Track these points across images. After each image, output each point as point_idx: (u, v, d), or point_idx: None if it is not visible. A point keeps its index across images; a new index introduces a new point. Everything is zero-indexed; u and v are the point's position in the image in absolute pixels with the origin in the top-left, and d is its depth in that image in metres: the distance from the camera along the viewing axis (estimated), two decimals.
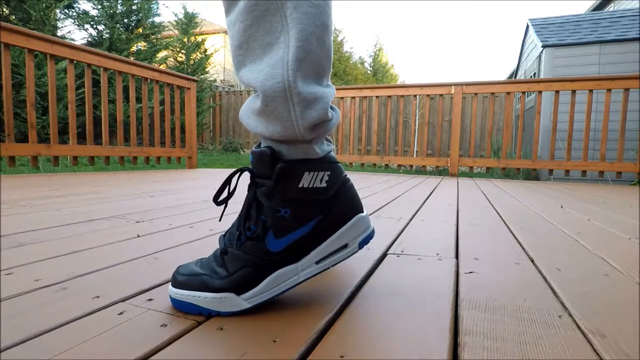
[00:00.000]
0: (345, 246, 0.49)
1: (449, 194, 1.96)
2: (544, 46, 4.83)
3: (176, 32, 8.08)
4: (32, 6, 5.43)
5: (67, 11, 6.29)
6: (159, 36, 7.30)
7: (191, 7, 21.16)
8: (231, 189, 0.50)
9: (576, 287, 0.58)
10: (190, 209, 1.23)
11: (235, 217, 1.10)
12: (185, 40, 7.93)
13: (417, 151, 7.16)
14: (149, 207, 1.25)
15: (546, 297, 0.54)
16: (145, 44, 7.02)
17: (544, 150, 4.52)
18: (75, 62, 2.74)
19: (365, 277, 0.61)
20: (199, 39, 8.14)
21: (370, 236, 0.50)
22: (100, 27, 6.50)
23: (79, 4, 6.54)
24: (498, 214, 1.33)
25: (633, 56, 4.47)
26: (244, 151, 8.12)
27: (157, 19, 7.16)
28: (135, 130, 3.27)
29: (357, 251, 0.49)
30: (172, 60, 7.95)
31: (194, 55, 8.05)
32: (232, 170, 4.01)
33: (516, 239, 0.93)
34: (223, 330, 0.41)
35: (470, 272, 0.65)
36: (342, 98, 4.87)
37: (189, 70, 7.91)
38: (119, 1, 6.55)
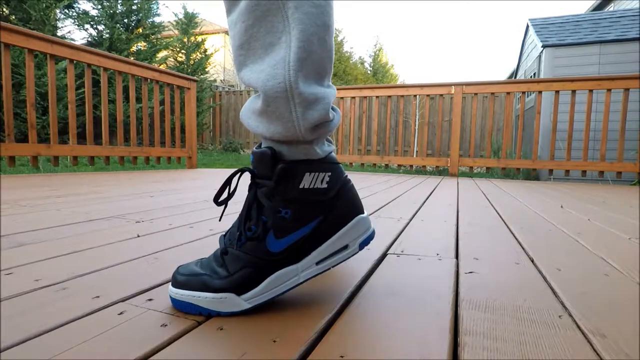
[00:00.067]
0: (345, 247, 0.49)
1: (449, 194, 1.96)
2: (544, 46, 4.83)
3: (176, 32, 8.08)
4: (32, 6, 5.43)
5: (67, 11, 6.29)
6: (159, 36, 7.29)
7: (191, 7, 21.18)
8: (231, 189, 0.50)
9: (576, 287, 0.58)
10: (190, 209, 1.23)
11: (235, 217, 1.10)
12: (185, 40, 7.93)
13: (417, 151, 7.16)
14: (149, 207, 1.25)
15: (546, 297, 0.54)
16: (145, 44, 7.02)
17: (544, 150, 4.52)
18: (75, 62, 2.74)
19: (365, 277, 0.61)
20: (199, 39, 8.14)
21: (370, 237, 0.50)
22: (100, 27, 6.50)
23: (79, 4, 6.54)
24: (498, 214, 1.33)
25: (633, 56, 4.47)
26: (244, 151, 8.12)
27: (157, 19, 7.16)
28: (135, 130, 3.27)
29: (357, 252, 0.49)
30: (172, 60, 7.95)
31: (194, 55, 8.05)
32: (232, 170, 4.01)
33: (516, 239, 0.93)
34: (223, 330, 0.41)
35: (470, 272, 0.65)
36: (342, 98, 4.87)
37: (189, 70, 7.91)
38: (119, 1, 6.55)
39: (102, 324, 0.42)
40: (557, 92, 3.46)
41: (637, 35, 4.48)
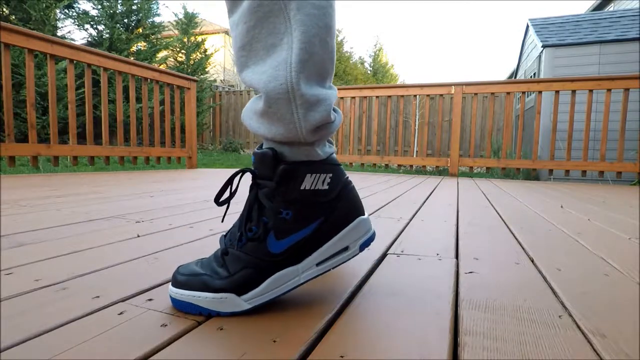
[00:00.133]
0: (346, 248, 0.49)
1: (449, 194, 1.96)
2: (544, 46, 4.83)
3: (176, 32, 8.08)
4: (32, 6, 5.43)
5: (67, 11, 6.29)
6: (159, 36, 7.30)
7: (191, 7, 21.17)
8: (232, 189, 0.50)
9: (576, 287, 0.58)
10: (190, 209, 1.23)
11: (236, 217, 1.10)
12: (185, 40, 7.93)
13: (417, 151, 7.16)
14: (149, 207, 1.25)
15: (546, 297, 0.54)
16: (145, 44, 7.02)
17: (544, 150, 4.52)
18: (75, 62, 2.74)
19: (365, 277, 0.61)
20: (199, 39, 8.14)
21: (371, 239, 0.50)
22: (100, 27, 6.50)
23: (79, 4, 6.54)
24: (498, 214, 1.33)
25: (633, 56, 4.47)
26: (244, 151, 8.12)
27: (157, 19, 7.16)
28: (135, 130, 3.27)
29: (357, 254, 0.49)
30: (172, 60, 7.95)
31: (194, 55, 8.05)
32: (232, 170, 4.01)
33: (516, 239, 0.93)
34: (223, 330, 0.41)
35: (470, 272, 0.65)
36: (342, 98, 4.87)
37: (189, 70, 7.90)
38: (119, 1, 6.55)
39: (102, 324, 0.42)
40: (557, 92, 3.46)
41: (637, 35, 4.48)
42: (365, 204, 1.48)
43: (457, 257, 0.75)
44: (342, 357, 0.36)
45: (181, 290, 0.46)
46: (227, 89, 8.87)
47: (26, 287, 0.52)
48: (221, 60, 12.15)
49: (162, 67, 7.30)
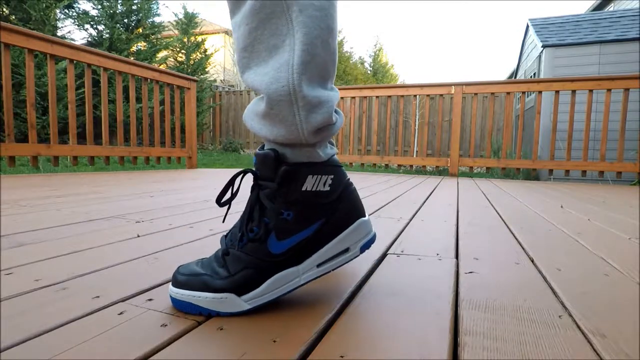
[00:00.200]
0: (346, 250, 0.49)
1: (449, 194, 1.96)
2: (544, 46, 4.83)
3: (176, 32, 8.08)
4: (32, 6, 5.43)
5: (67, 11, 6.29)
6: (159, 36, 7.29)
7: (191, 7, 21.14)
8: (234, 190, 0.50)
9: (576, 287, 0.58)
10: (190, 209, 1.23)
11: (236, 217, 1.10)
12: (185, 40, 7.93)
13: (417, 151, 7.16)
14: (149, 207, 1.25)
15: (546, 297, 0.54)
16: (145, 44, 7.02)
17: (544, 150, 4.52)
18: (75, 62, 2.74)
19: (365, 277, 0.61)
20: (199, 39, 8.14)
21: (371, 241, 0.51)
22: (100, 27, 6.50)
23: (79, 4, 6.54)
24: (498, 214, 1.33)
25: (633, 56, 4.47)
26: (244, 151, 8.12)
27: (157, 19, 7.16)
28: (135, 130, 3.27)
29: (358, 255, 0.50)
30: (172, 60, 7.95)
31: (194, 55, 8.05)
32: (232, 170, 4.01)
33: (516, 239, 0.93)
34: (223, 330, 0.41)
35: (470, 272, 0.65)
36: (342, 98, 4.87)
37: (189, 70, 7.90)
38: (119, 1, 6.56)
39: (102, 324, 0.42)
40: (557, 92, 3.46)
41: (637, 35, 4.48)
42: (365, 204, 1.48)
43: (457, 257, 0.75)
44: (342, 357, 0.36)
45: (181, 290, 0.46)
46: (227, 89, 8.87)
47: (26, 287, 0.52)
48: (221, 60, 12.15)
49: (162, 67, 7.30)
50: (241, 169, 0.49)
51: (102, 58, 2.91)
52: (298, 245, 0.46)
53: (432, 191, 2.10)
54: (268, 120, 0.46)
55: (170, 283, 0.48)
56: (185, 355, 0.36)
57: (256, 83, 0.45)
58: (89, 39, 6.54)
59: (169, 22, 7.93)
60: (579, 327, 0.44)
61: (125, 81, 5.18)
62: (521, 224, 1.12)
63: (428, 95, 4.08)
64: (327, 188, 0.47)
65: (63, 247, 0.73)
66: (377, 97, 4.24)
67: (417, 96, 4.36)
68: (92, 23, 6.43)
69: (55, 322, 0.42)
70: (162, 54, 7.52)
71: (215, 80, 8.96)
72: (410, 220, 1.15)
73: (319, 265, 0.48)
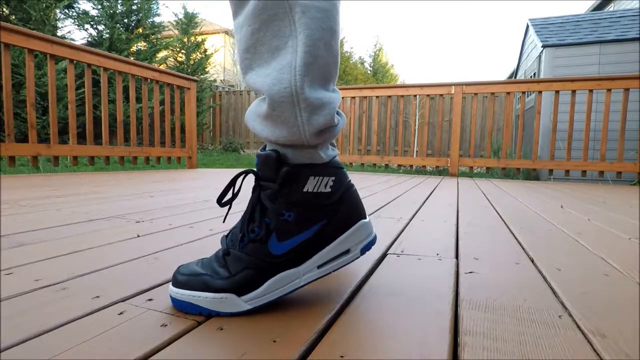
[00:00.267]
0: (347, 252, 0.49)
1: (449, 194, 1.96)
2: (544, 46, 4.83)
3: (176, 32, 8.08)
4: (32, 6, 5.43)
5: (67, 11, 6.29)
6: (159, 36, 7.29)
7: (191, 7, 21.13)
8: (235, 190, 0.50)
9: (576, 287, 0.58)
10: (190, 209, 1.23)
11: (236, 216, 1.10)
12: (185, 40, 7.92)
13: (417, 151, 7.16)
14: (149, 207, 1.25)
15: (546, 297, 0.54)
16: (145, 44, 7.02)
17: (544, 150, 4.52)
18: (75, 62, 2.74)
19: (365, 277, 0.61)
20: (199, 39, 8.13)
21: (372, 242, 0.51)
22: (100, 27, 6.50)
23: (79, 4, 6.54)
24: (498, 214, 1.33)
25: (633, 56, 4.47)
26: (243, 151, 8.12)
27: (157, 19, 7.16)
28: (135, 130, 3.27)
29: (358, 257, 0.50)
30: (172, 60, 7.95)
31: (194, 55, 8.05)
32: (232, 170, 4.01)
33: (516, 239, 0.93)
34: (223, 330, 0.41)
35: (470, 272, 0.65)
36: (342, 98, 4.86)
37: (189, 70, 7.90)
38: (119, 1, 6.55)
39: (102, 324, 0.42)
40: (557, 92, 3.46)
41: (637, 35, 4.48)
42: (365, 203, 1.48)
43: (457, 257, 0.75)
44: (342, 357, 0.36)
45: (181, 290, 0.46)
46: (227, 89, 8.87)
47: (26, 287, 0.52)
48: (221, 60, 12.15)
49: (162, 67, 7.30)
50: (243, 170, 0.49)
51: (102, 58, 2.91)
52: (299, 247, 0.46)
53: (432, 191, 2.10)
54: (270, 122, 0.46)
55: (171, 283, 0.48)
56: (185, 355, 0.36)
57: (258, 84, 0.45)
58: (89, 39, 6.54)
59: (169, 22, 7.93)
60: (579, 327, 0.44)
61: (125, 81, 5.17)
62: (521, 224, 1.12)
63: (428, 95, 4.08)
64: (328, 189, 0.47)
65: (63, 247, 0.73)
66: (377, 97, 4.24)
67: (417, 96, 4.36)
68: (92, 23, 6.43)
69: (55, 322, 0.42)
70: (162, 54, 7.52)
71: (215, 80, 8.96)
72: (410, 220, 1.15)
73: (319, 267, 0.48)
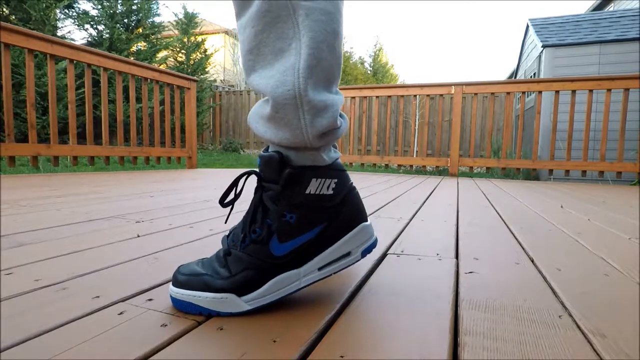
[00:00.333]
0: (348, 254, 0.49)
1: (449, 194, 1.96)
2: (544, 46, 4.83)
3: (176, 32, 8.08)
4: (32, 6, 5.43)
5: (67, 11, 6.29)
6: (159, 36, 7.29)
7: (191, 7, 21.13)
8: (237, 191, 0.50)
9: (576, 287, 0.58)
10: (190, 209, 1.23)
11: (236, 216, 1.10)
12: (185, 40, 7.92)
13: (417, 151, 7.16)
14: (149, 207, 1.25)
15: (546, 297, 0.54)
16: (145, 44, 7.02)
17: (544, 150, 4.52)
18: (75, 62, 2.74)
19: (365, 277, 0.61)
20: (199, 39, 8.13)
21: (373, 245, 0.51)
22: (100, 27, 6.50)
23: (79, 4, 6.54)
24: (498, 214, 1.33)
25: (633, 56, 4.47)
26: (243, 151, 8.12)
27: (157, 19, 7.16)
28: (135, 130, 3.27)
29: (359, 259, 0.50)
30: (172, 60, 7.95)
31: (194, 55, 8.05)
32: (232, 170, 4.01)
33: (516, 239, 0.93)
34: (223, 330, 0.41)
35: (470, 272, 0.65)
36: None
37: (189, 70, 7.90)
38: (119, 1, 6.55)
39: (102, 324, 0.42)
40: (557, 92, 3.46)
41: (637, 35, 4.48)
42: (366, 203, 1.48)
43: (457, 257, 0.75)
44: (342, 357, 0.36)
45: (182, 290, 0.46)
46: (227, 89, 8.87)
47: (26, 287, 0.52)
48: (221, 60, 12.15)
49: (162, 67, 7.30)
50: (245, 170, 0.49)
51: (102, 58, 2.91)
52: (300, 248, 0.46)
53: (432, 191, 2.10)
54: (273, 124, 0.46)
55: (171, 283, 0.48)
56: (185, 355, 0.36)
57: (261, 86, 0.45)
58: (89, 39, 6.54)
59: (169, 22, 7.93)
60: (579, 327, 0.44)
61: (125, 81, 5.18)
62: (521, 224, 1.12)
63: (428, 95, 4.08)
64: (330, 192, 0.47)
65: (63, 247, 0.73)
66: (377, 97, 4.24)
67: (417, 96, 4.36)
68: (92, 23, 6.43)
69: (55, 322, 0.42)
70: (162, 54, 7.52)
71: (215, 80, 8.96)
72: (410, 220, 1.15)
73: (320, 269, 0.48)
